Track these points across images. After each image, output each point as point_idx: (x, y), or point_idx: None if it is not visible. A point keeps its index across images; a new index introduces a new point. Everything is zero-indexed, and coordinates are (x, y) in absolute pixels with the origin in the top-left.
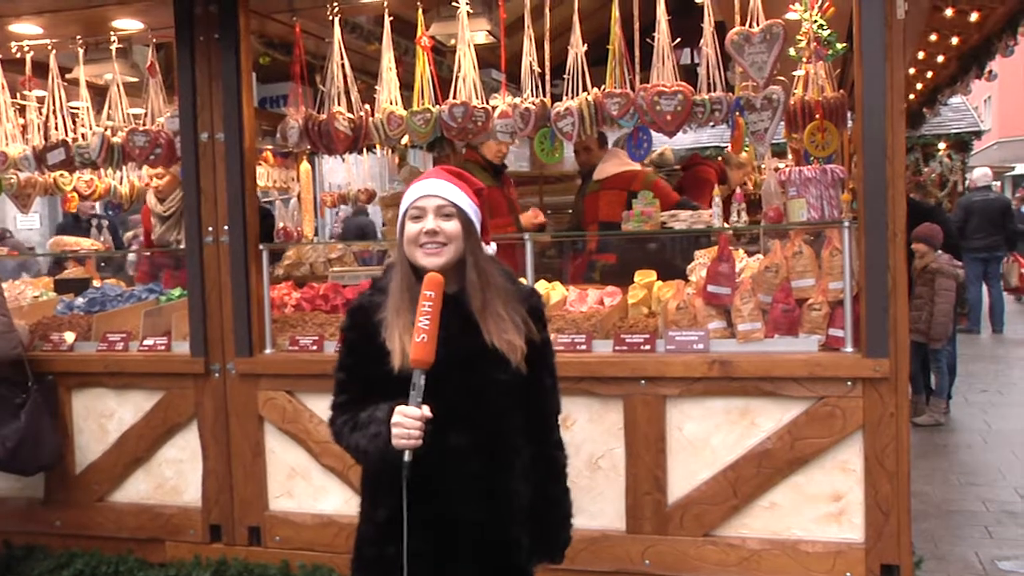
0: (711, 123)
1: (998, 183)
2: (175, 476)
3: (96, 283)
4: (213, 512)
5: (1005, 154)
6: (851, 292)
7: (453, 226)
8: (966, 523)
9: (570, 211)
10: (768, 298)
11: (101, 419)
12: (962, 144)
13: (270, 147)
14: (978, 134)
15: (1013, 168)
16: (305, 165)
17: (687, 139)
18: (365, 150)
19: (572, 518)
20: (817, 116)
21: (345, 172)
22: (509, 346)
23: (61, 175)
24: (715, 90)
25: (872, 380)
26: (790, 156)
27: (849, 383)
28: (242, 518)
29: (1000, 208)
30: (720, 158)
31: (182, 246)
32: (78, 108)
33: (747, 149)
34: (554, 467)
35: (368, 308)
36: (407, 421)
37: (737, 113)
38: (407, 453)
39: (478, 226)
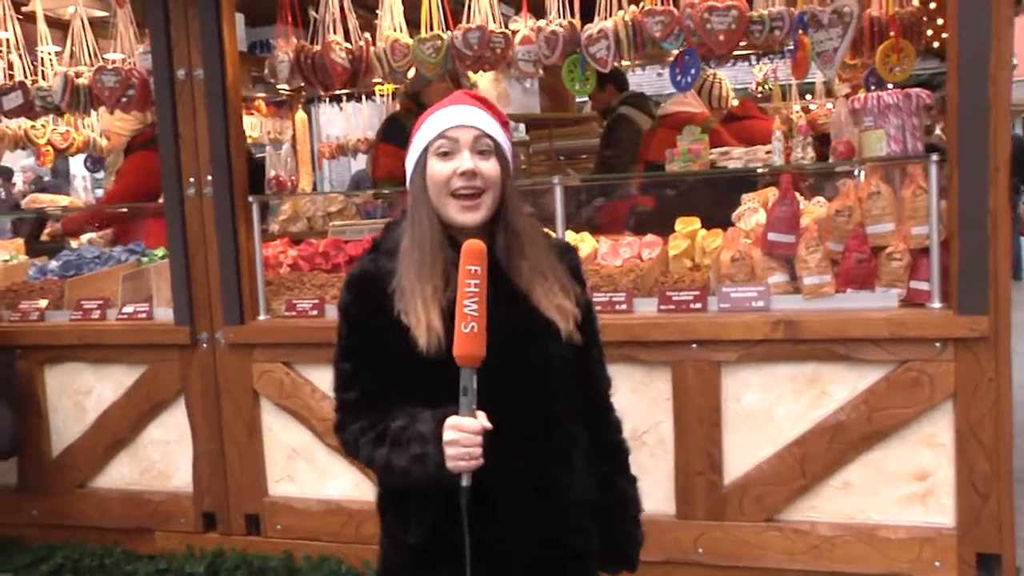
0: (769, 45)
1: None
2: (162, 459)
3: (74, 244)
4: (206, 499)
5: None
6: (938, 238)
7: (492, 167)
8: None
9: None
10: (839, 247)
11: (78, 397)
12: None
13: (263, 95)
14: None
15: None
16: (301, 114)
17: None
18: (364, 97)
19: (642, 513)
20: (891, 34)
21: (343, 121)
22: (560, 312)
23: (32, 127)
24: (773, 4)
25: (966, 341)
26: (829, 92)
27: (938, 345)
28: (238, 505)
29: (1019, 147)
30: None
31: None
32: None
33: (771, 87)
34: (619, 455)
35: (375, 276)
36: (465, 437)
37: (800, 31)
38: (465, 477)
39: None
